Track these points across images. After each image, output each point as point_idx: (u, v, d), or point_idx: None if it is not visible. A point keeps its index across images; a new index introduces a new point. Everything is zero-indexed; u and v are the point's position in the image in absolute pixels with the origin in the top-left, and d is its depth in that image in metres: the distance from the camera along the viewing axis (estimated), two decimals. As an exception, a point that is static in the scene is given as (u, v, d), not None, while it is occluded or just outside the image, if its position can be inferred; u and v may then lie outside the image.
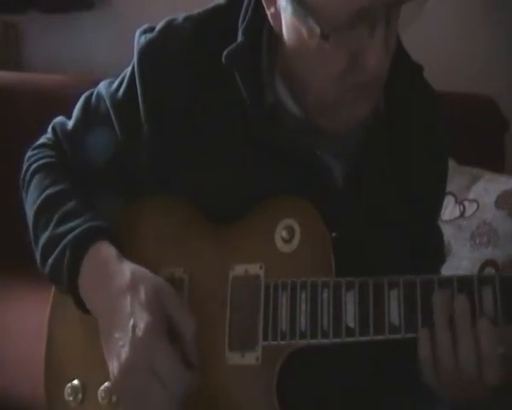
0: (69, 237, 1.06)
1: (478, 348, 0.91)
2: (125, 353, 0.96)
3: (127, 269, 1.03)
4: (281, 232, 1.05)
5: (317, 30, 0.95)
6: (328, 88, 1.01)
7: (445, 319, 0.93)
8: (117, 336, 0.98)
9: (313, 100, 1.04)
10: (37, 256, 1.12)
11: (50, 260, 1.08)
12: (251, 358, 1.02)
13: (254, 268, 1.05)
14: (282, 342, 1.00)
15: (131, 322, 0.97)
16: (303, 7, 0.95)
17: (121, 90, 1.13)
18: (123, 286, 1.01)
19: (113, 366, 0.98)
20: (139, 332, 0.96)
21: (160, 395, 0.95)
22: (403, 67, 1.12)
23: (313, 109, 1.05)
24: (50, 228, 1.09)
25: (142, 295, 0.99)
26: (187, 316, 1.00)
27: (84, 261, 1.05)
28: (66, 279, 1.06)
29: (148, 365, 0.95)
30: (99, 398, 1.08)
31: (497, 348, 0.91)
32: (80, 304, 1.07)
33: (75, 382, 1.11)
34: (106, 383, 1.08)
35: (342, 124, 1.05)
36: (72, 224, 1.08)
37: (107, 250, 1.05)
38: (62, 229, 1.08)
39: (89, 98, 1.19)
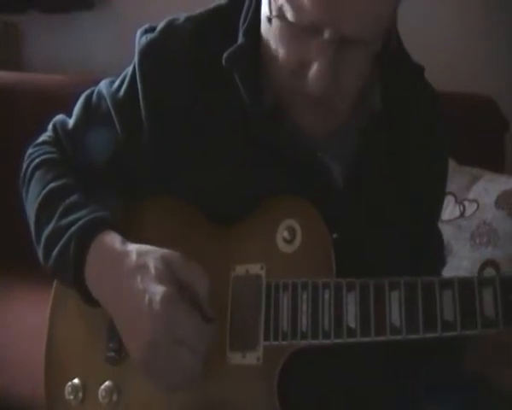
0: (74, 227, 1.06)
1: None
2: (146, 330, 0.96)
3: (132, 250, 1.02)
4: (282, 233, 1.05)
5: (267, 11, 0.99)
6: (281, 84, 1.02)
7: None
8: (134, 316, 0.98)
9: (274, 92, 1.05)
10: (40, 250, 1.11)
11: (55, 252, 1.07)
12: (252, 358, 1.02)
13: (255, 268, 1.05)
14: (284, 343, 1.00)
15: (146, 298, 0.97)
16: None
17: (122, 90, 1.13)
18: (130, 267, 1.01)
19: (137, 347, 0.98)
20: (156, 305, 0.96)
21: (188, 359, 0.96)
22: (403, 67, 1.12)
23: (282, 105, 1.06)
24: (54, 221, 1.09)
25: (152, 269, 0.99)
26: (197, 275, 1.00)
27: (89, 251, 1.04)
28: (73, 270, 1.05)
29: (171, 335, 0.96)
30: (99, 397, 1.08)
31: None
32: (85, 295, 1.06)
33: (75, 381, 1.11)
34: (106, 382, 1.09)
35: (304, 128, 1.05)
36: (76, 215, 1.07)
37: (111, 238, 1.05)
38: (66, 221, 1.08)
39: (89, 97, 1.19)
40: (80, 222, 1.06)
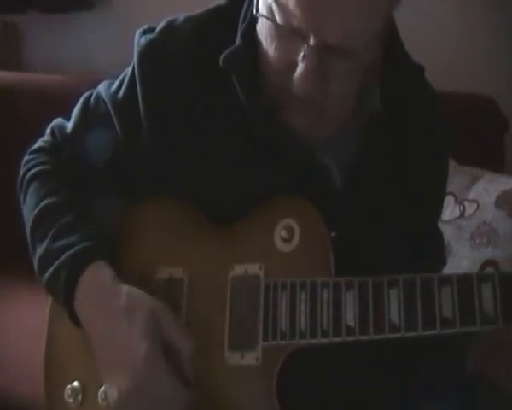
0: (64, 256, 1.07)
1: None
2: (125, 382, 0.98)
3: (123, 292, 1.03)
4: (280, 232, 1.05)
5: (260, 8, 0.99)
6: (271, 80, 1.02)
7: None
8: (115, 364, 1.00)
9: (271, 94, 1.05)
10: (35, 264, 1.12)
11: (47, 276, 1.09)
12: (251, 358, 1.02)
13: (254, 268, 1.05)
14: (282, 342, 1.00)
15: (130, 351, 0.98)
16: None
17: (121, 91, 1.13)
18: (119, 310, 1.02)
19: (114, 394, 0.99)
20: (137, 361, 0.98)
21: None
22: (403, 68, 1.12)
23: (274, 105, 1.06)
24: (46, 242, 1.10)
25: (139, 321, 1.00)
26: (184, 336, 1.01)
27: (78, 284, 1.05)
28: (63, 297, 1.07)
29: (146, 393, 0.97)
30: (99, 400, 1.08)
31: None
32: (74, 319, 1.08)
33: (75, 383, 1.11)
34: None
35: (297, 128, 1.05)
36: (67, 240, 1.08)
37: (102, 272, 1.06)
38: (58, 245, 1.08)
39: (87, 100, 1.19)
40: (71, 251, 1.07)
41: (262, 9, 1.00)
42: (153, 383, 0.97)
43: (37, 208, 1.13)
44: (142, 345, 0.98)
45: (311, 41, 0.94)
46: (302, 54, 0.96)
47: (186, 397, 1.00)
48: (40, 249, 1.10)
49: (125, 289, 1.04)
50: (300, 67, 0.97)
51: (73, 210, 1.12)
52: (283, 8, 0.95)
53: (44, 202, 1.13)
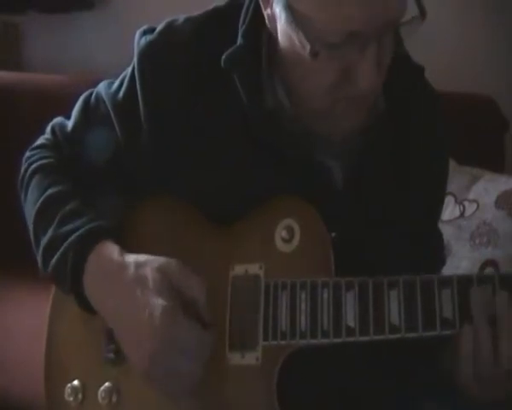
0: (72, 237, 1.06)
1: None
2: (147, 343, 0.98)
3: (130, 262, 1.03)
4: (280, 232, 1.05)
5: (307, 46, 0.95)
6: (318, 97, 1.01)
7: (485, 316, 0.94)
8: (134, 329, 0.99)
9: (305, 106, 1.04)
10: (39, 257, 1.11)
11: (53, 262, 1.08)
12: (251, 358, 1.02)
13: (254, 268, 1.05)
14: (282, 342, 1.00)
15: (147, 312, 0.98)
16: (295, 19, 0.95)
17: (121, 92, 1.13)
18: (129, 280, 1.02)
19: (138, 358, 0.99)
20: (156, 320, 0.97)
21: (188, 369, 0.98)
22: (403, 68, 1.12)
23: (306, 115, 1.05)
24: (52, 229, 1.09)
25: (150, 281, 1.00)
26: (195, 281, 1.01)
27: (87, 262, 1.05)
28: (70, 280, 1.06)
29: (173, 347, 0.97)
30: (99, 398, 1.09)
31: None
32: (84, 304, 1.07)
33: (75, 382, 1.11)
34: (106, 384, 1.09)
35: (334, 132, 1.05)
36: (74, 224, 1.08)
37: (109, 249, 1.06)
38: (64, 230, 1.08)
39: (88, 99, 1.19)
40: (78, 232, 1.07)
41: (316, 46, 0.95)
42: (176, 336, 0.97)
43: (42, 198, 1.13)
44: (157, 303, 0.98)
45: (368, 31, 0.93)
46: (361, 54, 0.94)
47: (210, 339, 1.00)
48: (45, 239, 1.10)
49: (132, 258, 1.04)
50: (363, 66, 0.95)
51: (79, 197, 1.12)
52: (335, 20, 0.92)
53: (49, 192, 1.13)
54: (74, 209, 1.10)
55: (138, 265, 1.03)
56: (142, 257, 1.04)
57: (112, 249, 1.06)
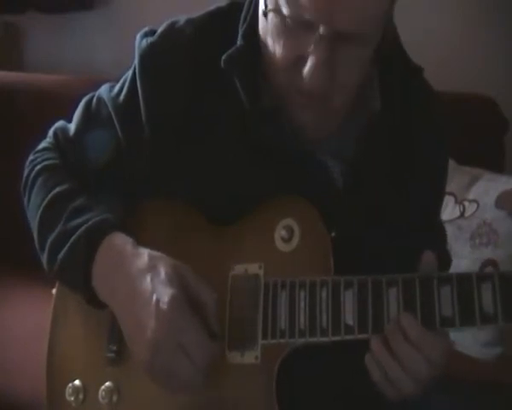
0: (83, 228, 1.06)
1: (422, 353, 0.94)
2: (150, 329, 0.97)
3: (144, 252, 1.03)
4: (280, 232, 1.05)
5: (263, 6, 1.00)
6: (278, 73, 1.02)
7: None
8: (139, 313, 0.99)
9: (274, 94, 1.05)
10: (45, 254, 1.11)
11: (61, 254, 1.07)
12: (250, 357, 1.02)
13: (254, 268, 1.05)
14: (282, 341, 1.00)
15: (154, 298, 0.98)
16: None
17: (123, 94, 1.14)
18: (142, 268, 1.02)
19: (139, 345, 0.99)
20: (163, 305, 0.97)
21: (186, 368, 0.97)
22: (402, 68, 1.13)
23: (285, 104, 1.06)
24: (61, 224, 1.09)
25: (162, 272, 1.00)
26: (206, 287, 1.01)
27: (99, 249, 1.05)
28: (81, 268, 1.05)
29: (174, 338, 0.97)
30: (100, 398, 1.09)
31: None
32: (90, 295, 1.07)
33: (76, 382, 1.12)
34: (106, 383, 1.09)
35: (305, 124, 1.05)
36: (84, 217, 1.08)
37: (123, 239, 1.06)
38: (73, 223, 1.08)
39: (89, 103, 1.19)
40: (90, 222, 1.07)
41: (268, 5, 1.00)
42: (177, 330, 0.97)
43: (48, 197, 1.13)
44: (166, 291, 0.98)
45: (321, 30, 0.95)
46: (312, 46, 0.97)
47: (213, 350, 0.99)
48: (52, 235, 1.09)
49: (147, 250, 1.04)
50: (311, 60, 0.97)
51: (86, 194, 1.13)
52: (291, 1, 0.96)
53: (56, 190, 1.13)
54: (84, 204, 1.11)
55: (152, 257, 1.03)
56: (156, 252, 1.04)
57: (125, 240, 1.06)
